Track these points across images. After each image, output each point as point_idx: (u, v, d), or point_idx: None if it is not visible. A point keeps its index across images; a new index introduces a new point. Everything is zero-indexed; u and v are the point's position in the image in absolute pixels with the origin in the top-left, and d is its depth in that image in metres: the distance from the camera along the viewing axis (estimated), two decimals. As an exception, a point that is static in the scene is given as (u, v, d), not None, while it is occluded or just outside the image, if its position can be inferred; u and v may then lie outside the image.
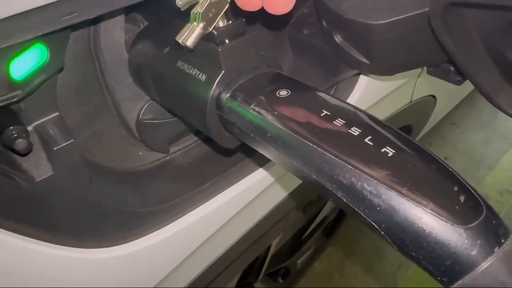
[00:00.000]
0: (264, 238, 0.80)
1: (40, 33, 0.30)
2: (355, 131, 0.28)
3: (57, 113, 0.37)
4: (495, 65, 0.44)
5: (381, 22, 0.42)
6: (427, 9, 0.39)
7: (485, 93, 0.45)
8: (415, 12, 0.40)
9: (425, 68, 0.53)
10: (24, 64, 0.32)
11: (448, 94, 1.15)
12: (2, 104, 0.30)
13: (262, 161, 0.54)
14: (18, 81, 0.31)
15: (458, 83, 0.50)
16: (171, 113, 0.47)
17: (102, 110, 0.46)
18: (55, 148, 0.35)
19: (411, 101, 0.85)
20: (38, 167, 0.35)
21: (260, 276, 1.12)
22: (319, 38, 0.53)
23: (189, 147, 0.52)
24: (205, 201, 0.50)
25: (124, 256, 0.45)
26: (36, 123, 0.36)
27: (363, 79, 0.59)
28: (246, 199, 0.56)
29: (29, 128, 0.35)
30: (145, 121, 0.47)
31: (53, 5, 0.30)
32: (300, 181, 0.68)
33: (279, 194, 0.66)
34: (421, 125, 1.09)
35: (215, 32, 0.33)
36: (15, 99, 0.31)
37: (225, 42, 0.34)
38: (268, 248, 1.00)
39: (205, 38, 0.34)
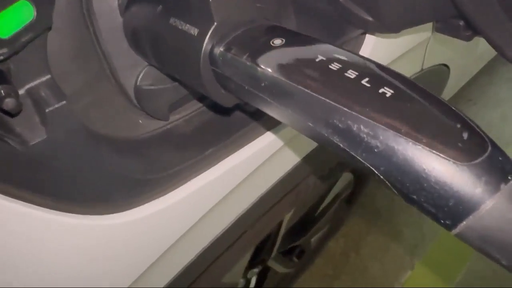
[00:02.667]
0: (275, 211, 0.80)
1: (22, -14, 0.29)
2: (351, 73, 0.27)
3: (49, 76, 0.36)
4: (507, 16, 0.42)
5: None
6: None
7: (497, 46, 0.43)
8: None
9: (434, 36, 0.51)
10: (10, 22, 0.31)
11: (462, 64, 1.11)
12: (-12, 62, 0.30)
13: (268, 127, 0.53)
14: (4, 39, 0.30)
15: (468, 38, 0.48)
16: (168, 76, 0.45)
17: (99, 78, 0.45)
18: (47, 110, 0.34)
19: (422, 70, 0.82)
20: (32, 130, 0.34)
21: (273, 254, 1.11)
22: (322, -1, 0.52)
23: (191, 115, 0.51)
24: (210, 167, 0.50)
25: (128, 223, 0.45)
26: (28, 86, 0.35)
27: (368, 44, 0.57)
28: (252, 165, 0.55)
29: (21, 91, 0.35)
30: (143, 87, 0.46)
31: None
32: (309, 150, 0.67)
33: (287, 163, 0.65)
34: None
35: (206, -19, 0.32)
36: (1, 57, 0.30)
37: (217, -9, 0.33)
38: (280, 224, 0.99)
39: (196, -10, 0.33)
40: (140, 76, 0.46)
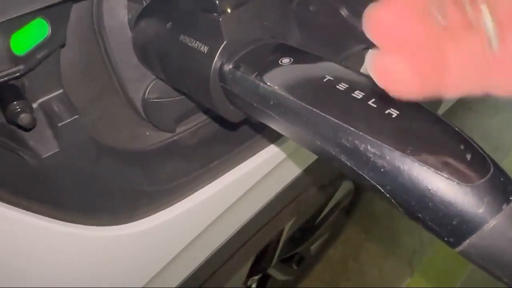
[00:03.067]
0: (276, 221, 0.80)
1: (38, 7, 0.30)
2: (358, 94, 0.27)
3: (62, 90, 0.37)
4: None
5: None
6: None
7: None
8: None
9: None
10: (26, 40, 0.32)
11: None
12: (5, 78, 0.30)
13: (271, 140, 0.54)
14: (20, 56, 0.31)
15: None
16: (176, 91, 0.46)
17: (108, 91, 0.46)
18: (59, 124, 0.35)
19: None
20: (44, 143, 0.35)
21: (274, 262, 1.12)
22: (325, 14, 0.53)
23: (196, 127, 0.52)
24: (214, 180, 0.50)
25: (132, 235, 0.46)
26: (41, 100, 0.36)
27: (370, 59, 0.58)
28: (255, 177, 0.55)
29: (34, 105, 0.36)
30: (150, 100, 0.47)
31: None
32: (310, 161, 0.68)
33: (289, 174, 0.65)
34: (435, 106, 1.07)
35: (217, 1, 0.33)
36: (18, 74, 0.31)
37: (227, 11, 0.34)
38: (281, 232, 1.00)
39: (206, 8, 0.34)
40: (148, 89, 0.47)
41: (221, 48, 0.34)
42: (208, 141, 0.52)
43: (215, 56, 0.34)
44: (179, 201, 0.49)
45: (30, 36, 0.32)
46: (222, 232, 0.61)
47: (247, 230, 0.68)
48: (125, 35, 0.44)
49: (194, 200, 0.49)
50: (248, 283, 1.13)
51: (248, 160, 0.53)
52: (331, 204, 1.20)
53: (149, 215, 0.47)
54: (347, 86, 0.28)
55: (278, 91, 0.30)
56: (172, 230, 0.50)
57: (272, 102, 0.30)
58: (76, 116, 0.35)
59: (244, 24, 0.34)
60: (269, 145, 0.53)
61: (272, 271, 1.20)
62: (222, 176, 0.51)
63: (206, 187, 0.50)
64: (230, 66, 0.34)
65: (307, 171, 0.69)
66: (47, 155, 0.35)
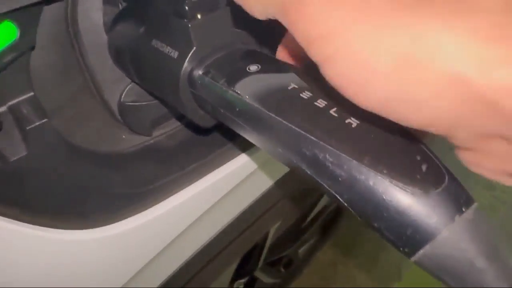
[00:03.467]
0: (260, 223, 0.80)
1: (5, 10, 0.30)
2: (321, 103, 0.28)
3: (32, 93, 0.37)
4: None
5: None
6: None
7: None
8: None
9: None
10: (-9, 43, 0.32)
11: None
12: (-31, 82, 0.30)
13: (251, 143, 0.54)
14: (-14, 59, 0.31)
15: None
16: (150, 94, 0.46)
17: (83, 93, 0.45)
18: (28, 128, 0.35)
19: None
20: (12, 147, 0.35)
21: (259, 265, 1.12)
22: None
23: (174, 130, 0.52)
24: (193, 182, 0.50)
25: (109, 238, 0.46)
26: (10, 103, 0.36)
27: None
28: (236, 179, 0.55)
29: (3, 108, 0.35)
30: (126, 103, 0.47)
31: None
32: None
33: (272, 176, 0.65)
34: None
35: (186, 7, 0.33)
36: (-17, 77, 0.31)
37: (197, 17, 0.34)
38: (266, 235, 1.00)
39: (177, 13, 0.34)
40: (124, 92, 0.47)
41: (190, 54, 0.34)
42: (186, 144, 0.52)
43: (185, 61, 0.34)
44: (156, 204, 0.48)
45: (-3, 40, 0.32)
46: (202, 235, 0.61)
47: (229, 232, 0.68)
48: (100, 38, 0.44)
49: (172, 202, 0.49)
50: (234, 286, 1.13)
51: (228, 162, 0.53)
52: (318, 207, 1.20)
53: (126, 218, 0.47)
54: (310, 94, 0.28)
55: (243, 98, 0.30)
56: (149, 233, 0.50)
57: (237, 109, 0.30)
58: (45, 120, 0.35)
59: (214, 30, 0.34)
60: (250, 147, 0.53)
61: (259, 274, 1.20)
62: (201, 179, 0.51)
63: (184, 189, 0.50)
64: (199, 72, 0.34)
65: (292, 173, 0.69)
66: (15, 158, 0.35)
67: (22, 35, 0.33)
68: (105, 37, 0.44)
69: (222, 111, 0.32)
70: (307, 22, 0.21)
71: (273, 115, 0.28)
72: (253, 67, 0.32)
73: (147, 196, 0.47)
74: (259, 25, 0.31)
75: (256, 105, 0.29)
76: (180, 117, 0.51)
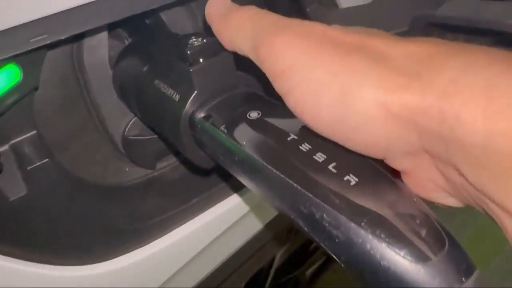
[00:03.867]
0: (266, 249, 0.79)
1: (5, 56, 0.30)
2: (320, 157, 0.27)
3: (35, 132, 0.37)
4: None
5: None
6: (406, 28, 0.38)
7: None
8: (398, 30, 0.39)
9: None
10: (-5, 86, 0.32)
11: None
12: (-29, 125, 0.30)
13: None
14: (-12, 102, 0.31)
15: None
16: (152, 131, 0.46)
17: (87, 126, 0.46)
18: (29, 168, 0.35)
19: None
20: (12, 186, 0.35)
21: (266, 286, 1.10)
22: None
23: (177, 163, 0.52)
24: (195, 216, 0.50)
25: (109, 273, 0.45)
26: (12, 142, 0.36)
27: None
28: (239, 213, 0.55)
29: (5, 147, 0.36)
30: (130, 137, 0.47)
31: (24, 26, 0.30)
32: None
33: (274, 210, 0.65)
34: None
35: (188, 52, 0.33)
36: (-16, 121, 0.31)
37: (199, 62, 0.33)
38: (273, 259, 0.99)
39: (179, 57, 0.34)
40: (129, 126, 0.47)
41: (191, 98, 0.33)
42: (189, 177, 0.51)
43: (186, 105, 0.34)
44: (159, 237, 0.48)
45: (0, 82, 0.32)
46: (204, 267, 0.61)
47: (234, 260, 0.67)
48: (105, 72, 0.44)
49: (174, 236, 0.49)
50: (239, 308, 1.12)
51: (232, 195, 0.53)
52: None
53: (127, 253, 0.46)
54: (309, 147, 0.28)
55: (242, 148, 0.30)
56: (152, 266, 0.50)
57: (236, 158, 0.30)
58: (47, 160, 0.35)
59: (216, 74, 0.34)
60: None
61: (265, 296, 1.19)
62: (204, 212, 0.50)
63: (187, 223, 0.49)
64: (201, 115, 0.34)
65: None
66: (15, 198, 0.35)
67: (25, 77, 0.33)
68: (110, 72, 0.44)
69: (221, 157, 0.32)
70: (273, 60, 0.26)
71: (271, 167, 0.28)
72: (254, 114, 0.32)
73: (149, 231, 0.47)
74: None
75: (254, 156, 0.29)
76: (176, 154, 0.51)
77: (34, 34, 0.30)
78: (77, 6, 0.30)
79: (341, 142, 0.25)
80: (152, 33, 0.43)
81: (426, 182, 0.25)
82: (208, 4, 0.33)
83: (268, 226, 0.68)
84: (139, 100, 0.41)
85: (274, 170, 0.27)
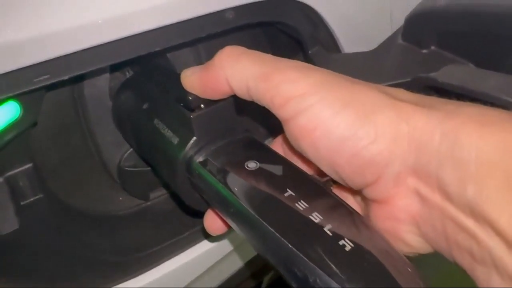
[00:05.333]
0: (253, 276, 0.79)
1: (8, 95, 0.30)
2: (316, 217, 0.27)
3: (30, 164, 0.37)
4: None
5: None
6: (406, 80, 0.38)
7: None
8: (399, 81, 0.40)
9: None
10: (-7, 121, 0.32)
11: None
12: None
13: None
14: (-15, 138, 0.31)
15: None
16: (148, 165, 0.46)
17: (82, 154, 0.46)
18: (22, 203, 0.35)
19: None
20: (4, 221, 0.35)
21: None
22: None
23: (171, 193, 0.52)
24: (187, 249, 0.49)
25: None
26: (7, 174, 0.36)
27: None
28: (229, 247, 0.55)
29: (0, 179, 0.35)
30: (126, 168, 0.47)
31: (28, 67, 0.30)
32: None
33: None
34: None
35: (190, 98, 0.33)
36: (-19, 158, 0.31)
37: (200, 108, 0.34)
38: (259, 284, 0.98)
39: (180, 101, 0.34)
40: (124, 157, 0.47)
41: (190, 143, 0.33)
42: (182, 208, 0.51)
43: (184, 150, 0.34)
44: (150, 269, 0.48)
45: (0, 118, 0.32)
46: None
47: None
48: (104, 103, 0.44)
49: (164, 269, 0.48)
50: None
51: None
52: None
53: (116, 285, 0.46)
54: (306, 206, 0.28)
55: (238, 201, 0.30)
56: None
57: (232, 210, 0.30)
58: (41, 195, 0.35)
59: (216, 120, 0.34)
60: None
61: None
62: (196, 245, 0.50)
63: (177, 257, 0.49)
64: (198, 161, 0.34)
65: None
66: (6, 233, 0.34)
67: (25, 113, 0.33)
68: (109, 102, 0.44)
69: (217, 205, 0.32)
70: (281, 87, 0.27)
71: (266, 224, 0.28)
72: (252, 164, 0.32)
73: (141, 263, 0.46)
74: (263, 110, 0.31)
75: (250, 210, 0.29)
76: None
77: (37, 74, 0.30)
78: (80, 50, 0.30)
79: (337, 167, 0.27)
80: (154, 69, 0.44)
81: (400, 213, 0.26)
82: (183, 74, 0.33)
83: (259, 256, 0.67)
84: (136, 136, 0.41)
85: (269, 228, 0.27)
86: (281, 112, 0.28)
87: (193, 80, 0.32)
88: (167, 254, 0.48)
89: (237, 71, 0.29)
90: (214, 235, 0.37)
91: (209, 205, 0.36)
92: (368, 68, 0.44)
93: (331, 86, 0.26)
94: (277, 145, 0.37)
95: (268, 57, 0.30)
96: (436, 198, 0.24)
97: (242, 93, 0.30)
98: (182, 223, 0.49)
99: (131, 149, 0.47)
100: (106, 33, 0.31)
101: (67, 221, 0.41)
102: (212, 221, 0.36)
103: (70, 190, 0.45)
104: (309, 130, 0.26)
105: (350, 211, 0.28)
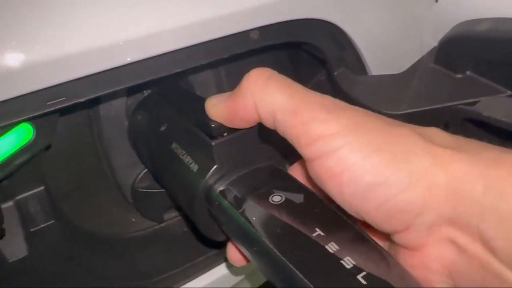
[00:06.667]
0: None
1: (23, 118, 0.28)
2: (348, 262, 0.25)
3: (42, 187, 0.35)
4: None
5: (397, 112, 0.39)
6: (451, 103, 0.36)
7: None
8: (430, 107, 0.37)
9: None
10: (5, 145, 0.30)
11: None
12: (-24, 187, 0.29)
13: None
14: (-3, 162, 0.30)
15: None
16: (163, 188, 0.44)
17: (96, 175, 0.44)
18: (32, 229, 0.33)
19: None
20: (13, 247, 0.33)
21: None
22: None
23: (184, 214, 0.50)
24: (199, 275, 0.47)
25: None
26: (18, 197, 0.34)
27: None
28: (240, 276, 0.52)
29: (10, 203, 0.34)
30: (140, 189, 0.45)
31: (42, 90, 0.28)
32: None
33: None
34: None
35: (213, 125, 0.31)
36: (-8, 182, 0.29)
37: (222, 135, 0.32)
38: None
39: (201, 127, 0.32)
40: (139, 178, 0.45)
41: (211, 172, 0.32)
42: (196, 231, 0.49)
43: (204, 178, 0.32)
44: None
45: (12, 141, 0.30)
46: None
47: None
48: (120, 123, 0.43)
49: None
50: None
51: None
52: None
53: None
54: (337, 248, 0.26)
55: (263, 240, 0.27)
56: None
57: (255, 249, 0.28)
58: (52, 221, 0.33)
59: (238, 148, 0.32)
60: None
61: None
62: (209, 272, 0.48)
63: (189, 283, 0.47)
64: (218, 190, 0.32)
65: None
66: (14, 259, 0.33)
67: (38, 136, 0.31)
68: (125, 122, 0.43)
69: (238, 241, 0.30)
70: (312, 124, 0.25)
71: (294, 268, 0.25)
72: (277, 198, 0.30)
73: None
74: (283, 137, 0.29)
75: (276, 251, 0.26)
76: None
77: (52, 97, 0.29)
78: (96, 73, 0.29)
79: (363, 213, 0.25)
80: (171, 88, 0.42)
81: (432, 262, 0.24)
82: (208, 103, 0.31)
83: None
84: (153, 158, 0.39)
85: (297, 272, 0.25)
86: (306, 150, 0.26)
87: (220, 109, 0.30)
88: (179, 281, 0.46)
89: (265, 99, 0.27)
90: (238, 266, 0.35)
91: (226, 235, 0.34)
92: (396, 91, 0.41)
93: (362, 128, 0.25)
94: (295, 171, 0.35)
95: (297, 87, 0.28)
96: (477, 248, 0.22)
97: (268, 123, 0.28)
98: (195, 247, 0.47)
99: (145, 170, 0.45)
100: (130, 54, 0.29)
101: (77, 246, 0.39)
102: (235, 253, 0.34)
103: (81, 212, 0.43)
104: (336, 173, 0.24)
105: (383, 254, 0.26)
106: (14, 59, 0.26)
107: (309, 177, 0.33)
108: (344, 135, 0.24)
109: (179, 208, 0.48)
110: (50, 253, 0.35)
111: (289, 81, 0.28)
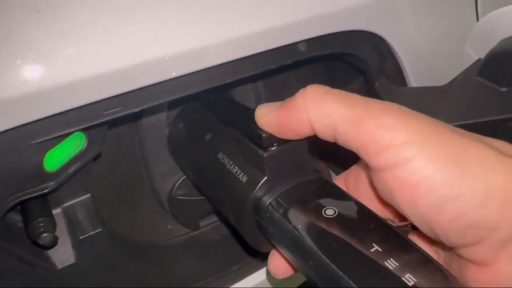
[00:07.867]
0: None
1: (79, 127, 0.28)
2: (409, 280, 0.25)
3: (89, 195, 0.35)
4: None
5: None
6: (497, 117, 0.36)
7: None
8: (482, 120, 0.37)
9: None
10: (59, 154, 0.30)
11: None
12: (31, 195, 0.29)
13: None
14: (51, 172, 0.30)
15: None
16: (203, 195, 0.44)
17: (134, 182, 0.44)
18: (81, 237, 0.33)
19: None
20: (61, 254, 0.33)
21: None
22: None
23: (219, 222, 0.50)
24: (234, 283, 0.47)
25: None
26: (65, 205, 0.34)
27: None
28: (273, 284, 0.52)
29: (58, 210, 0.34)
30: (177, 196, 0.45)
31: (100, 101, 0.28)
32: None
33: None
34: None
35: (264, 135, 0.31)
36: (46, 191, 0.29)
37: (273, 146, 0.31)
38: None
39: (251, 138, 0.32)
40: (177, 185, 0.45)
41: (261, 183, 0.31)
42: (230, 239, 0.49)
43: (254, 189, 0.32)
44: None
45: (65, 151, 0.31)
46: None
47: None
48: (161, 130, 0.43)
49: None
50: None
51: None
52: None
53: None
54: (396, 264, 0.25)
55: (319, 253, 0.27)
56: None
57: (311, 263, 0.28)
58: (100, 229, 0.33)
59: (288, 159, 0.32)
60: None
61: None
62: (244, 279, 0.48)
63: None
64: (268, 202, 0.31)
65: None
66: (63, 267, 0.33)
67: (89, 145, 0.32)
68: (166, 130, 0.43)
69: (292, 255, 0.30)
70: (381, 133, 0.24)
71: (351, 282, 0.25)
72: (330, 211, 0.30)
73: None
74: (335, 149, 0.29)
75: (334, 267, 0.26)
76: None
77: (108, 107, 0.29)
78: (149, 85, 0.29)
79: (435, 226, 0.24)
80: (212, 97, 0.42)
81: (505, 279, 0.24)
82: (257, 112, 0.31)
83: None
84: (195, 167, 0.39)
85: (354, 285, 0.25)
86: (375, 160, 0.25)
87: (271, 119, 0.30)
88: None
89: (323, 114, 0.27)
90: (280, 278, 0.34)
91: (274, 247, 0.34)
92: (437, 104, 0.41)
93: (434, 137, 0.24)
94: (339, 183, 0.35)
95: (355, 97, 0.27)
96: None
97: (325, 136, 0.28)
98: (230, 255, 0.47)
99: (183, 177, 0.45)
100: (182, 67, 0.29)
101: (120, 253, 0.39)
102: (279, 264, 0.34)
103: (120, 219, 0.43)
104: (410, 185, 0.24)
105: (442, 271, 0.26)
106: (75, 73, 0.26)
107: (358, 189, 0.33)
108: (417, 144, 0.23)
109: (216, 214, 0.48)
110: (96, 261, 0.35)
111: (346, 93, 0.28)
